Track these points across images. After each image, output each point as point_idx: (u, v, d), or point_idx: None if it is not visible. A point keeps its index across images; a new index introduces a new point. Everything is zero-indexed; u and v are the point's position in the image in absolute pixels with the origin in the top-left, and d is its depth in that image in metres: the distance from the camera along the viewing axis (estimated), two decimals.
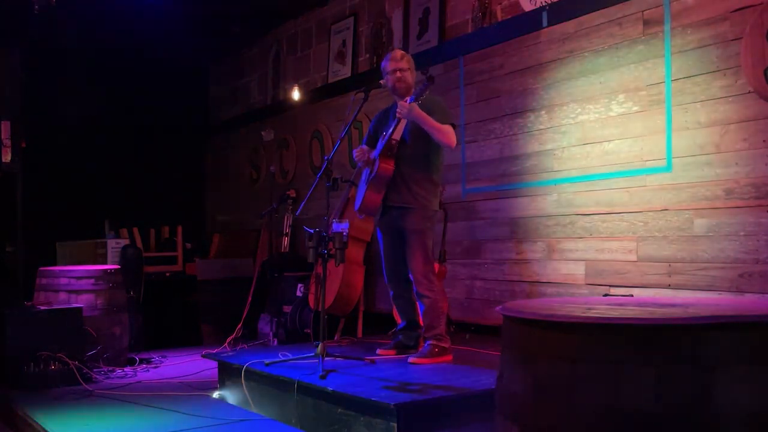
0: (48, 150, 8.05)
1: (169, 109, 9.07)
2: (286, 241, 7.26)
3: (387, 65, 4.33)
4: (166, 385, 4.79)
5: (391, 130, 4.21)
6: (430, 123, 4.09)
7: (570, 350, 1.73)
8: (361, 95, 4.36)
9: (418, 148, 4.21)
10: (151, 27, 7.40)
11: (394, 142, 4.22)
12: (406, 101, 4.08)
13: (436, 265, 4.60)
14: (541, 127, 5.11)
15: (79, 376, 4.74)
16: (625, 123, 4.56)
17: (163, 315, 6.79)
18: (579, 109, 4.85)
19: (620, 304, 2.09)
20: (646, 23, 4.46)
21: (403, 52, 4.47)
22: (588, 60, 4.80)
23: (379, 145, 4.28)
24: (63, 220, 7.93)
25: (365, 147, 4.44)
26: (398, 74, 4.27)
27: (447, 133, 4.12)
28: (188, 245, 8.17)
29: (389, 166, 4.19)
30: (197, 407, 4.10)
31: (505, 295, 5.31)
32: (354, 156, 4.38)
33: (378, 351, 4.45)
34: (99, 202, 8.31)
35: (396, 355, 4.40)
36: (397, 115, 4.13)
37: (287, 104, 7.94)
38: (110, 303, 5.43)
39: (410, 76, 4.30)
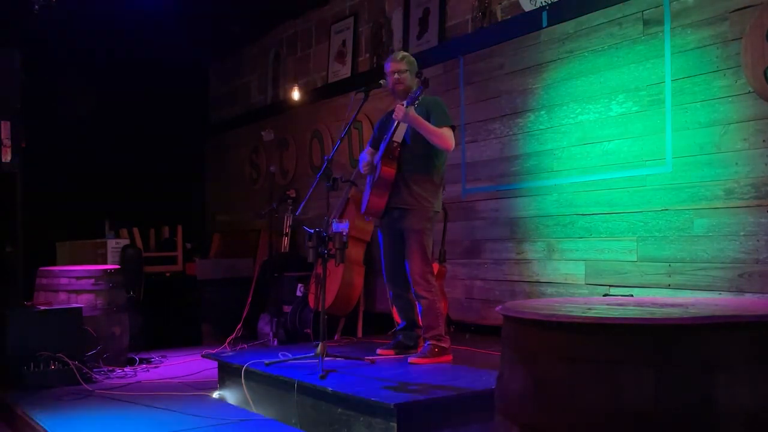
0: (48, 150, 8.04)
1: (169, 109, 9.07)
2: (286, 241, 7.25)
3: (387, 66, 4.34)
4: (166, 385, 4.79)
5: (390, 133, 4.22)
6: (425, 127, 4.09)
7: (570, 350, 1.72)
8: (361, 95, 4.36)
9: (418, 150, 4.21)
10: (151, 27, 7.41)
11: (395, 144, 4.22)
12: (402, 105, 4.08)
13: (436, 265, 4.60)
14: (541, 127, 5.11)
15: (79, 376, 4.74)
16: (625, 123, 4.56)
17: (163, 315, 6.79)
18: (579, 109, 4.85)
19: (620, 304, 2.09)
20: (646, 23, 4.46)
21: (404, 53, 4.47)
22: (588, 60, 4.80)
23: (381, 148, 4.29)
24: (63, 220, 7.92)
25: (371, 150, 4.45)
26: (396, 76, 4.29)
27: (443, 137, 4.11)
28: (188, 245, 8.17)
29: (391, 170, 4.19)
30: (197, 407, 4.10)
31: (505, 295, 5.31)
32: (361, 170, 4.39)
33: (378, 351, 4.45)
34: (99, 202, 8.30)
35: (396, 355, 4.40)
36: (394, 117, 4.14)
37: (287, 104, 7.94)
38: (110, 303, 5.43)
39: (409, 78, 4.30)
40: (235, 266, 7.64)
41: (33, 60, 7.29)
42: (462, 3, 5.82)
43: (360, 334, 6.10)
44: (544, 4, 5.10)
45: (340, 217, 5.68)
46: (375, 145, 4.49)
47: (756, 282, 3.87)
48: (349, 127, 4.44)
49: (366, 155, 4.45)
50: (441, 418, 3.29)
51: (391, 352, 4.43)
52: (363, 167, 4.36)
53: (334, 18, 7.39)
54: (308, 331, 5.86)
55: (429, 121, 4.13)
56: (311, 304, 5.92)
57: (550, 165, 5.03)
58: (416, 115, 4.08)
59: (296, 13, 7.90)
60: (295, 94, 7.63)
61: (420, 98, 4.04)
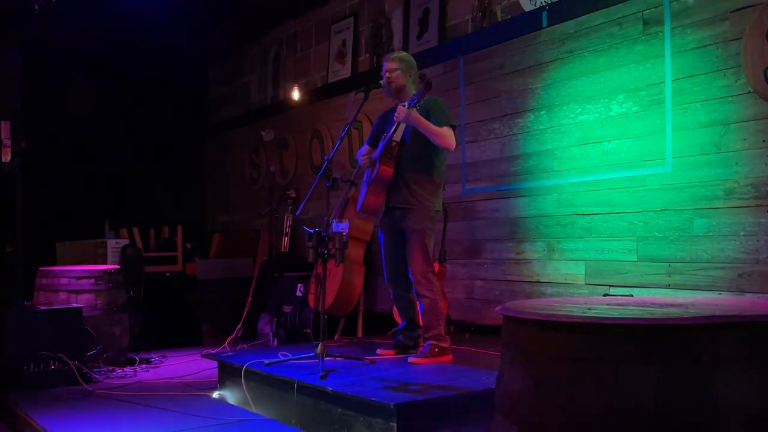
0: (48, 150, 8.04)
1: (169, 109, 9.07)
2: (286, 241, 7.26)
3: (382, 66, 4.36)
4: (166, 385, 4.79)
5: (390, 132, 4.22)
6: (427, 127, 4.10)
7: (570, 350, 1.72)
8: (361, 95, 4.36)
9: (418, 149, 4.21)
10: (151, 27, 7.40)
11: (394, 143, 4.23)
12: (404, 105, 4.08)
13: (436, 265, 4.60)
14: (541, 127, 5.11)
15: (79, 376, 4.74)
16: (625, 123, 4.56)
17: (163, 315, 6.79)
18: (579, 109, 4.85)
19: (620, 304, 2.09)
20: (646, 23, 4.46)
21: (399, 53, 4.50)
22: (588, 60, 4.80)
23: (380, 146, 4.29)
24: (63, 220, 7.93)
25: (368, 148, 4.46)
26: (387, 75, 4.30)
27: (444, 137, 4.12)
28: (188, 245, 8.17)
29: (389, 168, 4.20)
30: (197, 407, 4.10)
31: (505, 295, 5.31)
32: (359, 162, 4.40)
33: (378, 351, 4.45)
34: (99, 202, 8.31)
35: (396, 355, 4.40)
36: (395, 119, 4.13)
37: (287, 104, 7.94)
38: (110, 303, 5.43)
39: (401, 77, 4.30)
40: (235, 266, 7.64)
41: (33, 60, 7.31)
42: (462, 3, 5.82)
43: (360, 334, 6.10)
44: (544, 4, 5.10)
45: (340, 217, 5.67)
46: (373, 143, 4.50)
47: (756, 282, 3.87)
48: (349, 127, 4.44)
49: (364, 152, 4.46)
50: (441, 418, 3.29)
51: (391, 352, 4.43)
52: (362, 160, 4.36)
53: (334, 18, 7.39)
54: (308, 331, 5.86)
55: (429, 121, 4.13)
56: (311, 304, 5.92)
57: (550, 165, 5.03)
58: (418, 116, 4.08)
59: (296, 13, 7.90)
60: (295, 94, 7.63)
61: (423, 99, 4.04)
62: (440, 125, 4.13)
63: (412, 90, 4.33)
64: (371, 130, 4.61)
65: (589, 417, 1.67)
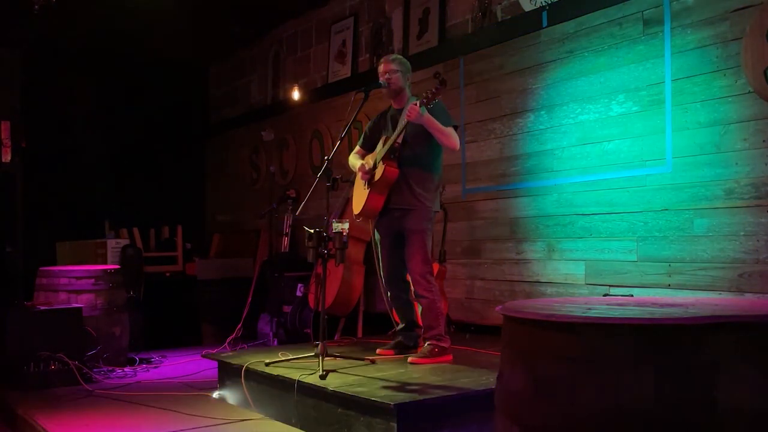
0: (48, 150, 8.04)
1: (169, 109, 9.07)
2: (286, 241, 7.25)
3: (379, 67, 4.37)
4: (166, 385, 4.79)
5: (396, 133, 4.21)
6: (437, 127, 4.11)
7: (570, 350, 1.72)
8: (361, 95, 4.36)
9: (419, 149, 4.22)
10: (151, 27, 7.41)
11: (397, 145, 4.23)
12: (416, 104, 4.06)
13: (436, 265, 4.60)
14: (541, 127, 5.11)
15: (79, 376, 4.74)
16: (625, 123, 4.56)
17: (163, 315, 6.79)
18: (579, 109, 4.85)
19: (620, 304, 2.09)
20: (646, 23, 4.46)
21: (396, 55, 4.52)
22: (588, 60, 4.80)
23: (382, 148, 4.28)
24: (63, 220, 7.93)
25: (361, 150, 4.45)
26: (387, 76, 4.30)
27: (451, 137, 4.15)
28: (188, 245, 8.17)
29: (395, 170, 4.19)
30: (197, 407, 4.10)
31: (505, 295, 5.31)
32: (360, 176, 4.38)
33: (378, 351, 4.45)
34: (99, 202, 8.31)
35: (396, 355, 4.40)
36: (406, 117, 4.09)
37: (287, 104, 7.94)
38: (110, 303, 5.43)
39: (401, 79, 4.31)
40: (235, 266, 7.64)
41: (33, 60, 7.31)
42: (462, 3, 5.82)
43: (360, 334, 6.10)
44: (544, 4, 5.10)
45: (340, 217, 5.68)
46: (365, 145, 4.50)
47: (756, 282, 3.87)
48: (349, 127, 4.44)
49: (358, 158, 4.44)
50: (441, 418, 3.29)
51: (391, 352, 4.43)
52: (361, 175, 4.33)
53: (334, 18, 7.39)
54: (308, 331, 5.86)
55: None
56: (311, 304, 5.92)
57: (550, 165, 5.03)
58: (430, 116, 4.09)
59: (296, 13, 7.90)
60: (295, 94, 7.63)
61: (436, 100, 4.03)
62: (444, 125, 4.14)
63: (408, 92, 4.35)
64: (365, 133, 4.60)
65: (589, 417, 1.67)
